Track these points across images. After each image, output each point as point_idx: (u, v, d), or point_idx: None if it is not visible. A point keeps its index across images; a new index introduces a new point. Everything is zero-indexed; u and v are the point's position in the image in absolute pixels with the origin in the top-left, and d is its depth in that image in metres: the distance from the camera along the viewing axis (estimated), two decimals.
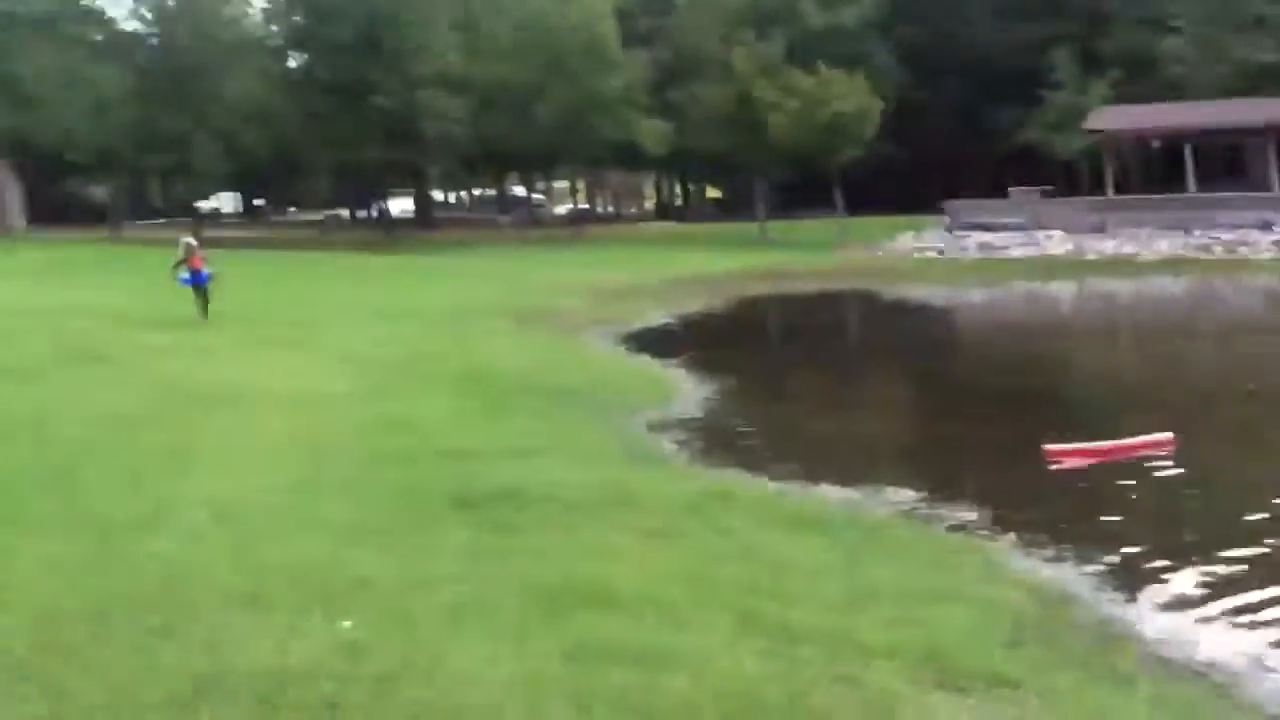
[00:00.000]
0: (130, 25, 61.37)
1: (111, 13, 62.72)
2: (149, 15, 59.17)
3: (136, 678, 4.42)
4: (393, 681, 4.46)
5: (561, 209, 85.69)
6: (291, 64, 62.93)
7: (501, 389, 11.35)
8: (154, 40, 59.54)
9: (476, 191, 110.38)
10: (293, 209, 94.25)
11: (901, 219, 45.79)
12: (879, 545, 6.98)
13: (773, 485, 8.91)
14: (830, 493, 8.89)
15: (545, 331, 17.77)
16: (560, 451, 8.59)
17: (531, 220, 70.26)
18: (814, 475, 9.40)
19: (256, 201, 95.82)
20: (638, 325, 20.85)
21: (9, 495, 6.88)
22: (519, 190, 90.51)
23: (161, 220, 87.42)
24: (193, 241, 18.08)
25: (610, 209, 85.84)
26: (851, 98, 48.55)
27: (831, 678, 4.76)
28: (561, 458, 8.38)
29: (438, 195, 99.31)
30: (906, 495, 8.97)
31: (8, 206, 66.22)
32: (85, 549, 5.95)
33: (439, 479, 7.60)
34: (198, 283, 17.51)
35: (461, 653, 4.73)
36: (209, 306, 17.39)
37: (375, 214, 79.22)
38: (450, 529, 6.51)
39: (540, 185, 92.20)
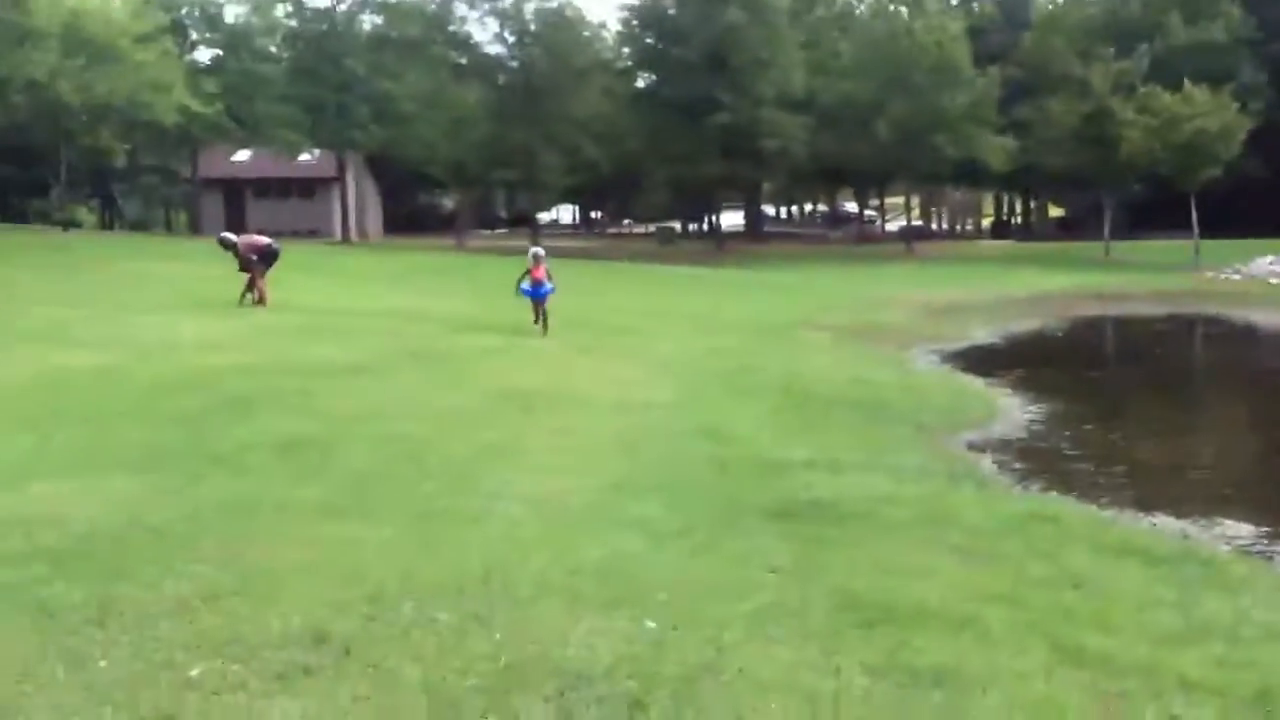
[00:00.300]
0: (493, 49, 64.65)
1: (477, 36, 66.21)
2: (510, 39, 62.12)
3: (452, 661, 4.63)
4: (693, 684, 4.49)
5: (893, 225, 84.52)
6: (639, 84, 64.75)
7: (821, 402, 11.28)
8: (513, 63, 62.48)
9: (808, 207, 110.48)
10: (627, 221, 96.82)
11: (1259, 242, 42.66)
12: (1212, 580, 6.52)
13: (1100, 511, 8.48)
14: (1162, 522, 8.40)
15: (868, 346, 17.56)
16: (878, 467, 8.45)
17: (861, 236, 69.58)
18: (1145, 503, 8.92)
19: (593, 214, 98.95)
20: (964, 343, 20.32)
21: (356, 487, 7.35)
22: (851, 206, 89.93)
23: (504, 230, 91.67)
24: (540, 251, 17.82)
25: (945, 226, 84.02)
26: (1215, 115, 45.86)
27: (1152, 714, 4.49)
28: (879, 473, 8.25)
29: (769, 210, 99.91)
30: (1245, 530, 8.40)
31: (367, 216, 71.01)
32: (417, 537, 6.29)
33: (753, 488, 7.62)
34: (537, 296, 17.30)
35: (764, 661, 4.72)
36: (547, 322, 17.27)
37: (706, 227, 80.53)
38: (762, 538, 6.51)
39: (873, 201, 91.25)
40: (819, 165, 64.85)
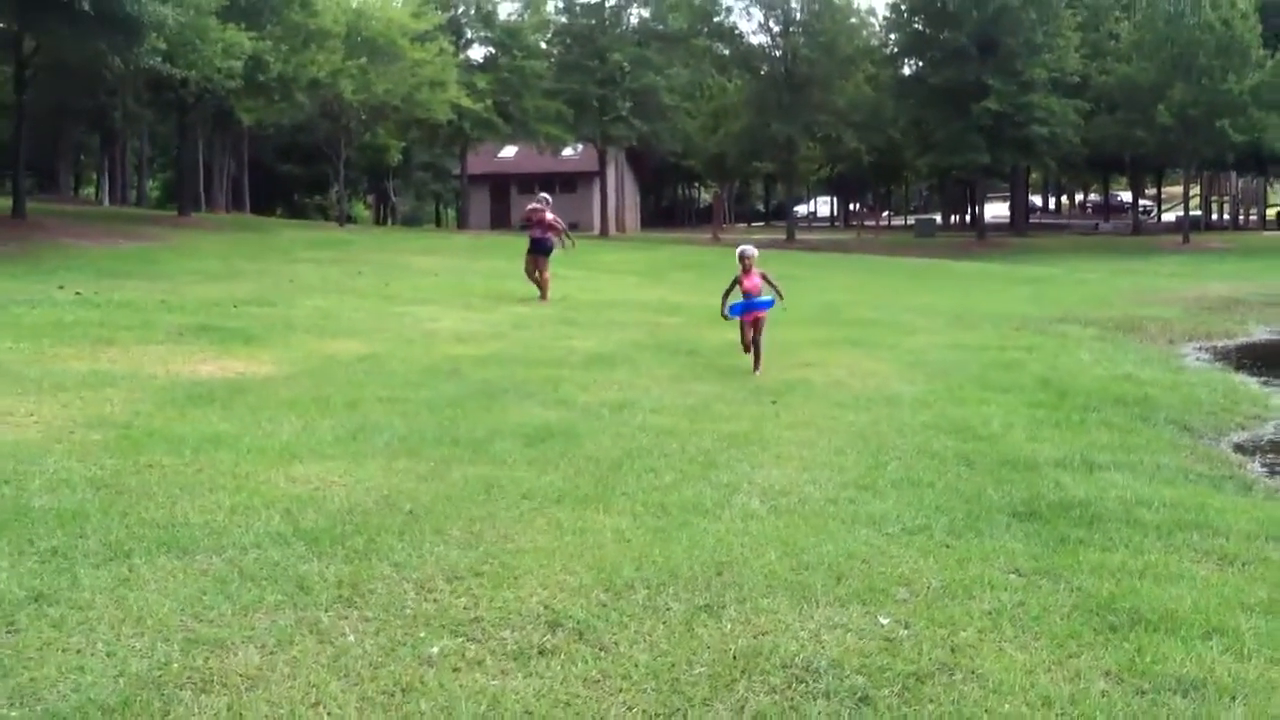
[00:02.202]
0: (757, 39, 64.89)
1: (742, 27, 66.57)
2: (775, 28, 62.17)
3: (681, 648, 4.70)
4: (924, 682, 4.45)
5: (1170, 215, 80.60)
6: (904, 71, 63.92)
7: (1077, 399, 10.85)
8: (776, 52, 62.52)
9: (1078, 196, 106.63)
10: (887, 213, 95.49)
11: None
12: None
13: None
14: None
15: (1135, 342, 16.80)
16: (1134, 468, 8.08)
17: (1135, 227, 66.62)
18: None
19: (851, 206, 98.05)
20: (1240, 340, 19.18)
21: (597, 475, 7.50)
22: (1124, 196, 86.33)
23: (760, 223, 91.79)
24: (751, 250, 12.70)
25: (1226, 217, 79.60)
26: None
27: None
28: (1135, 474, 7.89)
29: (1035, 200, 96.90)
30: None
31: (625, 209, 72.28)
32: (651, 526, 6.38)
33: (999, 486, 7.42)
34: (753, 309, 12.55)
35: (999, 661, 4.62)
36: (759, 352, 12.58)
37: (969, 219, 78.73)
38: (1004, 537, 6.34)
39: (1149, 190, 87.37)
40: (1092, 152, 62.47)
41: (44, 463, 7.27)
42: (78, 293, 17.56)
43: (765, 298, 12.62)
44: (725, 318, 12.84)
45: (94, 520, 6.10)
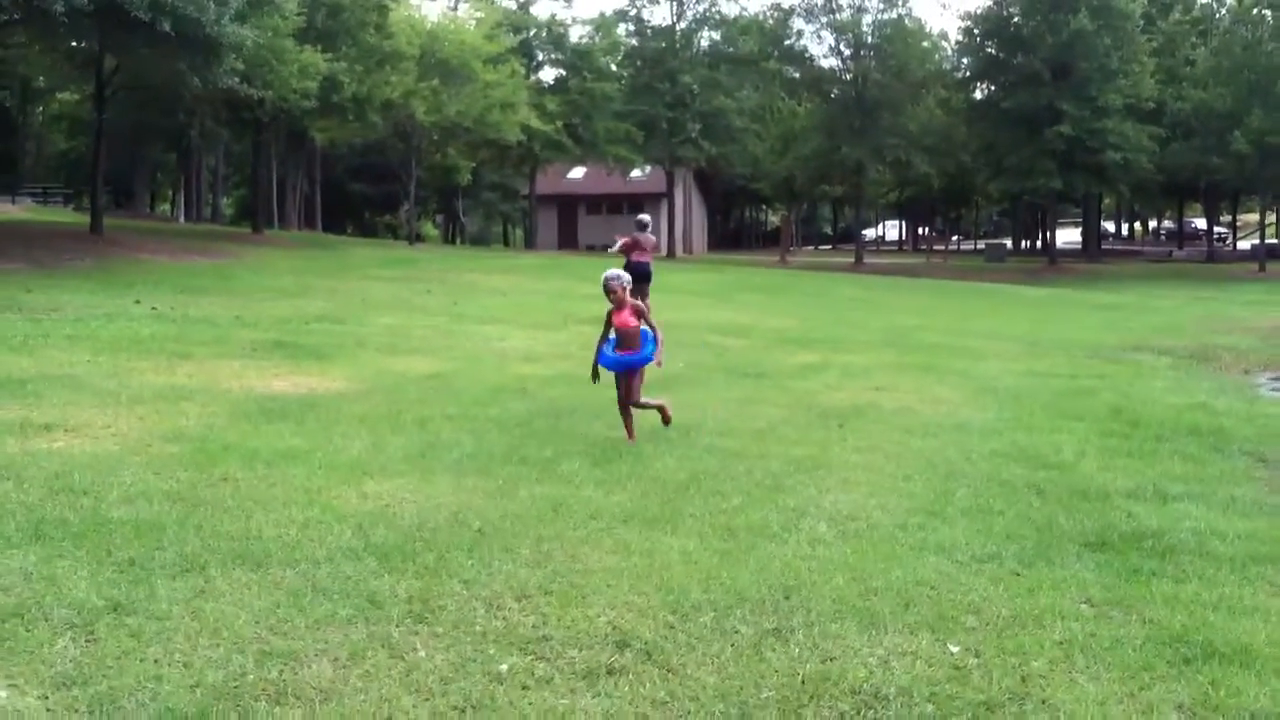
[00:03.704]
0: (828, 63, 64.92)
1: (812, 50, 66.79)
2: (846, 52, 62.17)
3: (748, 672, 4.70)
4: (994, 711, 4.42)
5: (1245, 244, 79.40)
6: (976, 95, 63.62)
7: (1150, 429, 10.70)
8: (847, 75, 62.49)
9: (1151, 223, 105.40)
10: (956, 238, 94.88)
11: None
12: None
13: None
14: None
15: (1207, 371, 16.53)
16: (1207, 499, 7.95)
17: (1209, 255, 65.68)
18: None
19: (920, 230, 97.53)
20: None
21: (664, 496, 7.51)
22: (1198, 223, 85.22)
23: (828, 246, 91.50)
24: (618, 276, 9.55)
25: None
26: None
27: None
28: (1208, 505, 7.76)
29: (1108, 226, 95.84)
30: None
31: (693, 231, 72.40)
32: (718, 549, 6.38)
33: (1070, 515, 7.33)
34: (626, 364, 9.55)
35: (1070, 692, 4.58)
36: (630, 422, 9.62)
37: (1039, 244, 78.01)
38: (1075, 567, 6.26)
39: (1224, 218, 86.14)
40: (1166, 179, 61.72)
41: (121, 475, 7.41)
42: (154, 308, 17.90)
43: (634, 357, 9.52)
44: (595, 379, 9.75)
45: (170, 532, 6.21)
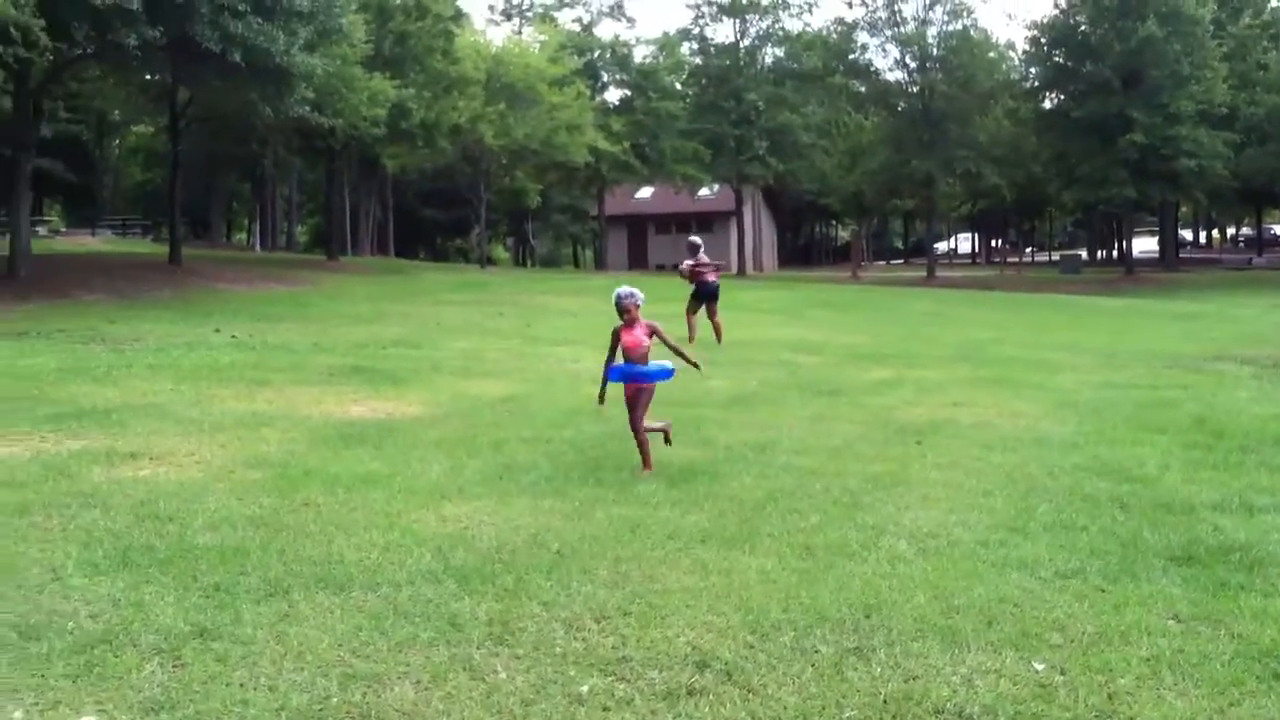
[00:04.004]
0: (893, 75, 64.74)
1: (877, 63, 66.56)
2: (912, 64, 61.91)
3: (829, 692, 4.67)
4: None
5: None
6: (1045, 105, 63.02)
7: (1235, 440, 10.48)
8: (914, 88, 62.23)
9: (1230, 230, 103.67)
10: (1030, 250, 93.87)
11: None
12: None
13: None
14: None
15: None
16: None
17: None
18: None
19: (994, 242, 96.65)
20: None
21: (742, 516, 7.49)
22: (1278, 229, 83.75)
23: (899, 261, 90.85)
24: (631, 293, 9.05)
25: None
26: None
27: None
28: None
29: (1185, 235, 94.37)
30: None
31: (763, 248, 72.29)
32: (797, 568, 6.34)
33: (1155, 529, 7.20)
34: (635, 377, 9.02)
35: (1158, 710, 4.50)
36: (646, 446, 9.06)
37: (1116, 254, 76.96)
38: (1161, 582, 6.15)
39: None
40: (1242, 185, 60.67)
41: (205, 501, 7.54)
42: (233, 336, 18.19)
43: (654, 366, 9.05)
44: (601, 402, 9.45)
45: (254, 557, 6.30)
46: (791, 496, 8.05)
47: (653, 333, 9.02)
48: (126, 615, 5.37)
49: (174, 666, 4.82)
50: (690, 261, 19.78)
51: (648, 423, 9.16)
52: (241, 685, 4.64)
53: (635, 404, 9.00)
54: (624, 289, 9.15)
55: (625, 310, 8.96)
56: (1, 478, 8.14)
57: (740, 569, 6.30)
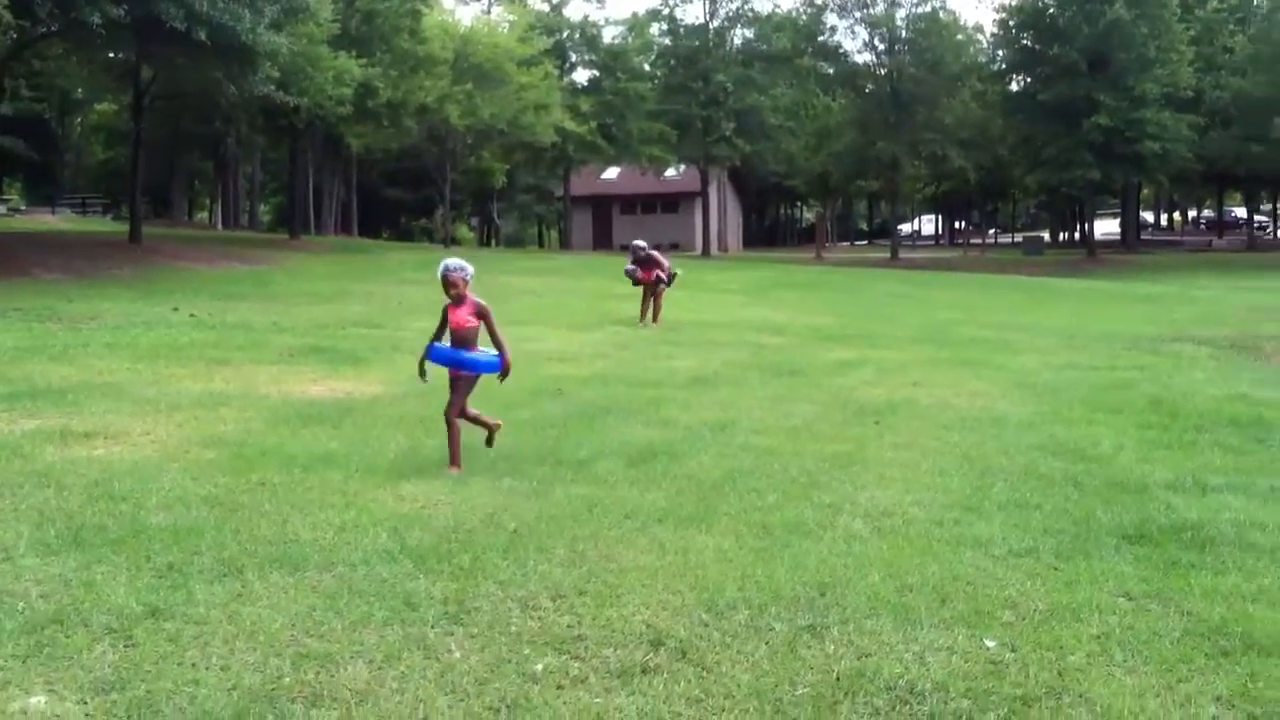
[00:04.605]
0: (862, 58, 64.81)
1: (846, 45, 66.64)
2: (880, 46, 61.99)
3: (783, 669, 4.69)
4: (1031, 706, 4.40)
5: None
6: (1012, 88, 63.27)
7: (1190, 420, 10.60)
8: (881, 70, 62.34)
9: (1190, 213, 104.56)
10: (993, 231, 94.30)
11: None
12: None
13: None
14: None
15: (1248, 361, 16.36)
16: (1248, 490, 7.85)
17: (1250, 244, 65.05)
18: None
19: (957, 224, 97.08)
20: None
21: (700, 495, 7.51)
22: (1239, 212, 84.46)
23: (864, 242, 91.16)
24: (459, 267, 8.17)
25: None
26: None
27: None
28: (1249, 496, 7.67)
29: (1147, 217, 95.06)
30: None
31: (728, 229, 72.34)
32: (754, 546, 6.37)
33: (1108, 508, 7.27)
34: (460, 364, 8.32)
35: (1107, 686, 4.55)
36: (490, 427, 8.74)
37: (1078, 236, 77.43)
38: (1114, 560, 6.22)
39: (1264, 206, 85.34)
40: (1205, 168, 61.15)
41: (160, 481, 7.48)
42: (192, 314, 18.06)
43: (481, 355, 8.33)
44: (422, 377, 8.68)
45: (208, 537, 6.26)
46: (750, 476, 8.08)
47: (481, 315, 8.19)
48: (78, 595, 5.32)
49: (125, 646, 4.78)
50: (635, 270, 19.91)
51: (484, 416, 8.66)
52: (193, 665, 4.61)
53: (455, 389, 8.31)
54: (453, 260, 8.27)
55: (452, 285, 8.09)
56: None
57: (697, 548, 6.32)
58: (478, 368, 8.32)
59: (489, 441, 8.70)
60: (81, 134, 72.94)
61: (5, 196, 57.89)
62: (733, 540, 6.49)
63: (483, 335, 8.37)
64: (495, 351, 8.32)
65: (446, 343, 8.34)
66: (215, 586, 5.51)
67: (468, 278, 8.15)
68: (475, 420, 8.55)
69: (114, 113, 60.75)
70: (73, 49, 34.51)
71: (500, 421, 8.91)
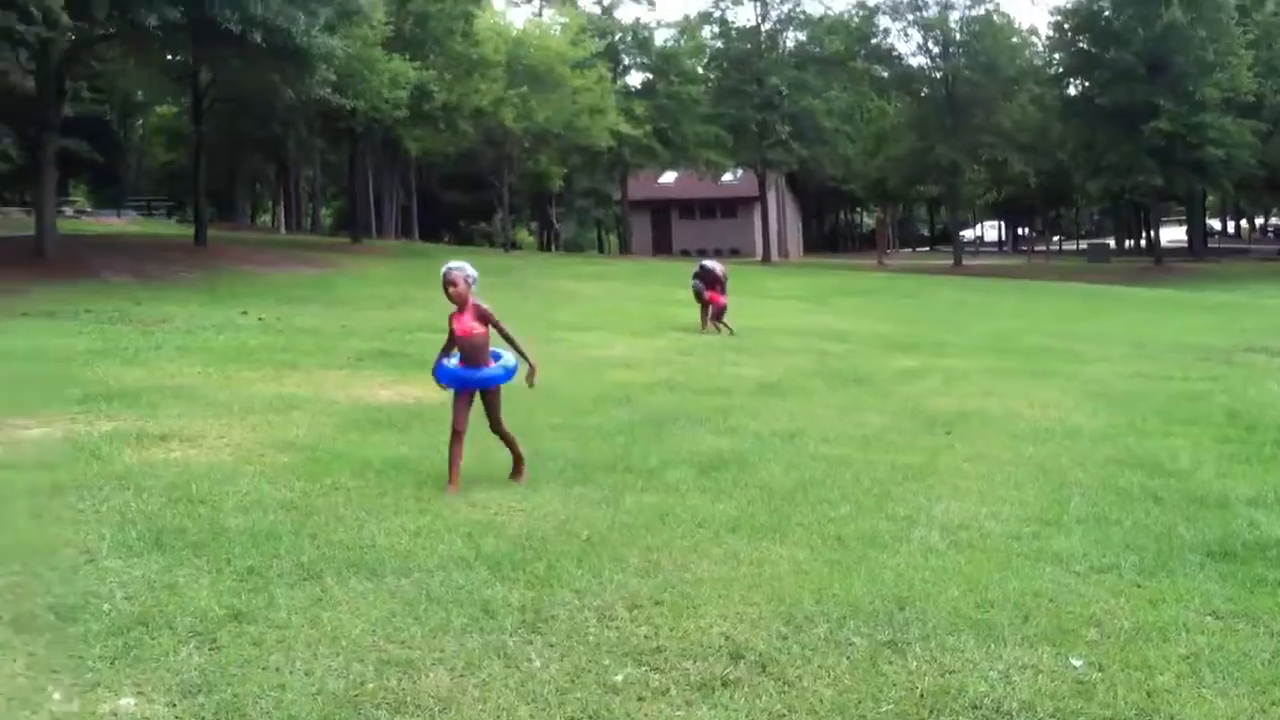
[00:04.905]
0: (916, 61, 64.37)
1: (900, 48, 66.27)
2: (935, 50, 61.56)
3: (865, 685, 4.63)
4: None
5: None
6: (1070, 91, 62.53)
7: (1269, 434, 10.40)
8: (937, 74, 61.91)
9: (1259, 221, 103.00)
10: (1057, 238, 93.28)
11: None
12: None
13: None
14: None
15: None
16: None
17: None
18: None
19: (1020, 230, 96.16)
20: None
21: (772, 505, 7.47)
22: None
23: (925, 248, 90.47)
24: (462, 270, 7.75)
25: None
26: None
27: None
28: None
29: (1213, 224, 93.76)
30: None
31: (787, 235, 72.12)
32: (829, 558, 6.31)
33: (1190, 524, 7.15)
34: (468, 381, 7.80)
35: (1198, 708, 4.46)
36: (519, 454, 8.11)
37: (1143, 243, 76.48)
38: (1198, 577, 6.10)
39: None
40: (1270, 174, 60.14)
41: (237, 484, 7.54)
42: (260, 318, 18.23)
43: (491, 368, 7.82)
44: (441, 386, 8.13)
45: (286, 541, 6.29)
46: (821, 486, 8.02)
47: (484, 319, 7.74)
48: (161, 598, 5.36)
49: (210, 649, 4.81)
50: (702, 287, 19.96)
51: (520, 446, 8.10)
52: (277, 669, 4.63)
53: (486, 404, 7.86)
54: (454, 263, 7.80)
55: (450, 283, 7.65)
56: (35, 459, 8.16)
57: (772, 559, 6.28)
58: (489, 383, 7.82)
59: (515, 474, 8.06)
60: (143, 136, 73.88)
61: (71, 199, 58.71)
62: (807, 551, 6.44)
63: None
64: (507, 356, 7.89)
65: (455, 358, 7.89)
66: (295, 591, 5.54)
67: (469, 278, 7.70)
68: (509, 443, 8.05)
69: (174, 115, 61.52)
70: (131, 51, 34.97)
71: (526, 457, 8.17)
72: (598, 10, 62.67)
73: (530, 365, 7.96)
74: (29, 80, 32.99)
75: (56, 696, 4.35)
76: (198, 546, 6.14)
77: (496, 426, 7.90)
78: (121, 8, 24.57)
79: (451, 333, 7.81)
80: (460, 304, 7.70)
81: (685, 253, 61.83)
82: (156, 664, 4.65)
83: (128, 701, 4.34)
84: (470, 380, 7.75)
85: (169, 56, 35.66)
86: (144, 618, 5.10)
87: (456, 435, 7.77)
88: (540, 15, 60.13)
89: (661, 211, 71.96)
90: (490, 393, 7.84)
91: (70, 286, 23.31)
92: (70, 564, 5.83)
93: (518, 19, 60.00)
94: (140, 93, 57.08)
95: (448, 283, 7.66)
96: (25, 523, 6.51)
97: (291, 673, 4.61)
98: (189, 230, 39.95)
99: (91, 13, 24.21)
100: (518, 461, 8.02)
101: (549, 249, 77.10)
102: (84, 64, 37.08)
